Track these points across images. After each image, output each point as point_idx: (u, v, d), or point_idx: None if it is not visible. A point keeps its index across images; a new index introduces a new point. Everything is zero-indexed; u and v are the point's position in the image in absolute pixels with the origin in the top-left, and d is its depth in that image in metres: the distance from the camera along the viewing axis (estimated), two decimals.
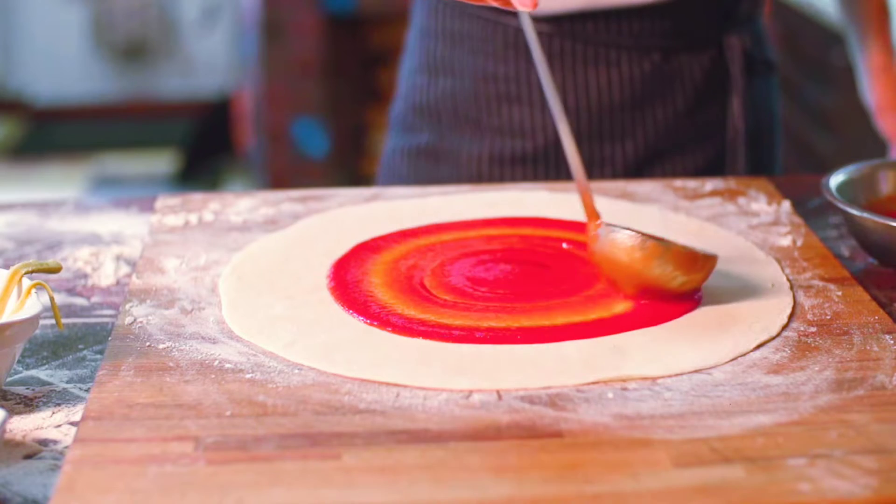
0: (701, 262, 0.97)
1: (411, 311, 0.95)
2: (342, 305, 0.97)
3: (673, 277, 0.96)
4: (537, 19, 1.31)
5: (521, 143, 1.33)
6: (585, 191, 1.01)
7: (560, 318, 0.94)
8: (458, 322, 0.93)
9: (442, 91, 1.37)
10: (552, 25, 1.31)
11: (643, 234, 0.96)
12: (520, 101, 1.33)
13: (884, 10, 1.43)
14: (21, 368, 0.91)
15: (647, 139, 1.34)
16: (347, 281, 1.01)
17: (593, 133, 1.33)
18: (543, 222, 1.14)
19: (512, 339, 0.91)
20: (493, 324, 0.93)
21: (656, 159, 1.34)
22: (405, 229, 1.12)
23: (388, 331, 0.93)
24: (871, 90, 1.42)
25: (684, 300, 0.97)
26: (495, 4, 0.99)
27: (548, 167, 1.33)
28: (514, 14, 1.31)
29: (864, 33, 1.42)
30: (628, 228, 0.97)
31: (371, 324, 0.94)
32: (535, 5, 0.97)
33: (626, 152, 1.33)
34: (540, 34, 1.31)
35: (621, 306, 0.96)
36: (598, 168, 1.33)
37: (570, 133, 1.03)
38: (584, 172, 1.02)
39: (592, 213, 1.00)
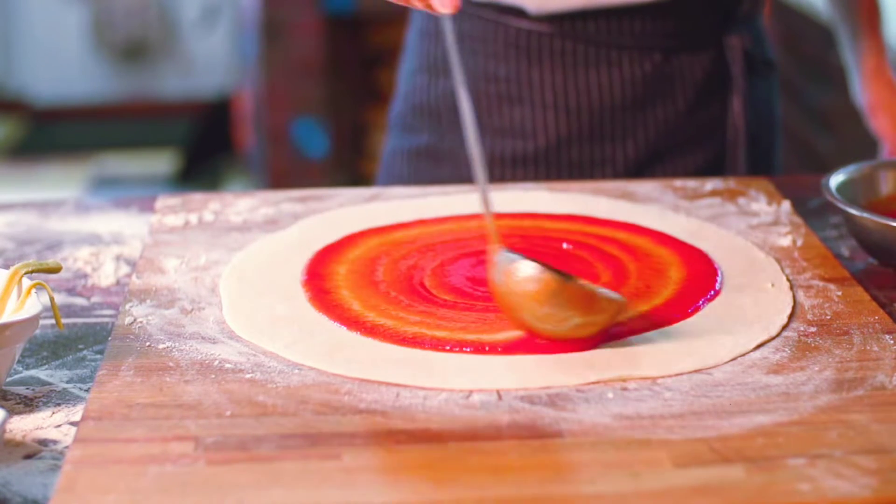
0: (603, 304, 0.89)
1: (411, 319, 0.95)
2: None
3: (567, 317, 0.88)
4: (539, 19, 1.31)
5: (521, 144, 1.33)
6: (489, 215, 0.94)
7: None
8: (457, 336, 0.92)
9: (442, 91, 1.37)
10: (553, 25, 1.31)
11: (544, 266, 0.88)
12: (521, 102, 1.33)
13: (875, 10, 1.43)
14: (21, 368, 0.91)
15: (648, 139, 1.34)
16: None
17: (594, 133, 1.33)
18: (540, 216, 1.14)
19: (514, 351, 0.90)
20: (498, 336, 0.92)
21: (657, 159, 1.34)
22: (402, 223, 1.12)
23: (380, 340, 0.92)
24: (863, 91, 1.42)
25: (581, 344, 0.89)
26: (419, 6, 0.97)
27: (548, 167, 1.33)
28: (515, 14, 1.31)
29: (857, 33, 1.42)
30: (533, 259, 0.90)
31: (367, 335, 0.93)
32: (457, 9, 0.94)
33: (627, 152, 1.33)
34: (541, 34, 1.31)
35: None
36: (598, 168, 1.33)
37: (482, 160, 0.97)
38: (489, 195, 0.95)
39: (493, 238, 0.93)
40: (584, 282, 0.92)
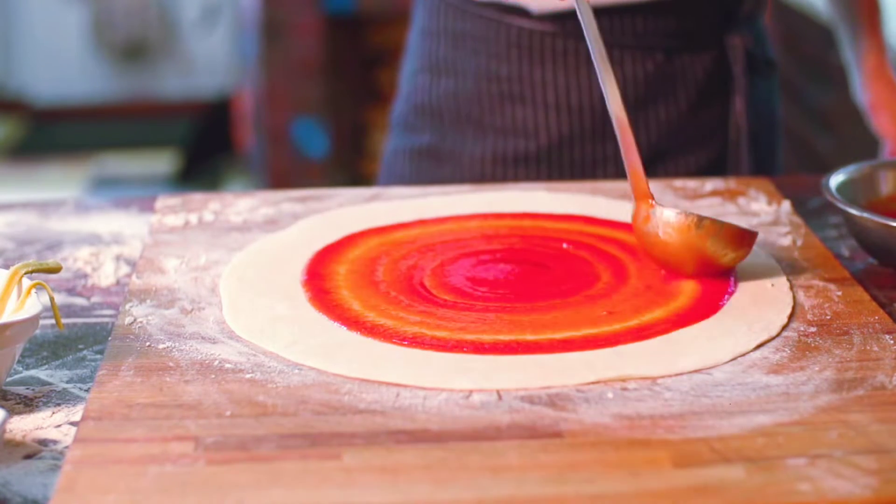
0: (748, 238, 1.01)
1: (411, 319, 0.95)
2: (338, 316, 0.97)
3: (724, 254, 1.00)
4: (541, 18, 1.31)
5: (523, 143, 1.33)
6: (636, 170, 1.03)
7: (561, 324, 0.94)
8: (457, 336, 0.92)
9: (444, 91, 1.37)
10: (556, 24, 1.31)
11: (695, 214, 1.00)
12: (522, 101, 1.33)
13: (876, 9, 1.43)
14: (21, 368, 0.91)
15: (650, 139, 1.34)
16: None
17: (596, 132, 1.33)
18: (540, 216, 1.14)
19: (513, 351, 0.90)
20: (499, 337, 0.92)
21: (659, 159, 1.34)
22: (401, 223, 1.13)
23: (380, 340, 0.92)
24: (865, 90, 1.42)
25: (728, 275, 1.01)
26: None
27: (550, 167, 1.33)
28: (517, 13, 1.31)
29: (857, 32, 1.42)
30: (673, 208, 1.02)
31: (367, 335, 0.93)
32: None
33: None
34: (543, 33, 1.31)
35: (620, 305, 0.97)
36: (600, 167, 1.33)
37: (624, 109, 1.06)
38: (636, 151, 1.04)
39: (644, 194, 1.03)
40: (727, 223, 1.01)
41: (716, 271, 1.01)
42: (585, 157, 1.33)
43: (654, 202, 1.02)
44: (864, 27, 1.42)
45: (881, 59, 1.41)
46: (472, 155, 1.35)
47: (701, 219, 0.99)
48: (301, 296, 0.99)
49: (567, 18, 1.30)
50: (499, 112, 1.34)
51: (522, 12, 1.31)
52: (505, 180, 1.33)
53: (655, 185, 1.23)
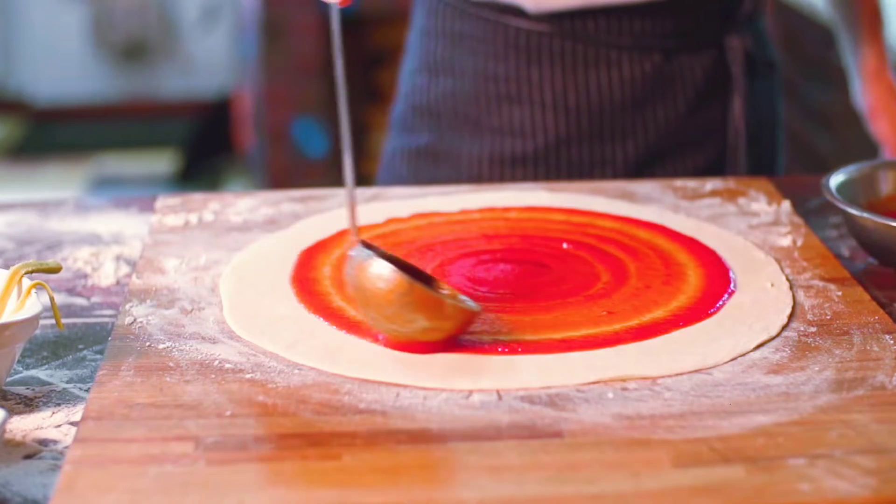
0: (449, 311, 0.89)
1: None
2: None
3: (413, 319, 0.88)
4: (538, 18, 1.31)
5: (520, 144, 1.33)
6: (352, 206, 0.93)
7: (561, 324, 0.94)
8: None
9: (442, 91, 1.37)
10: (553, 25, 1.31)
11: (396, 268, 0.87)
12: (520, 102, 1.33)
13: (877, 14, 1.42)
14: (21, 368, 0.91)
15: (648, 140, 1.34)
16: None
17: (594, 133, 1.33)
18: (543, 210, 1.14)
19: (513, 351, 0.90)
20: (498, 337, 0.92)
21: (657, 160, 1.34)
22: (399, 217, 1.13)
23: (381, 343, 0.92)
24: (864, 95, 1.42)
25: (427, 347, 0.89)
26: None
27: (548, 167, 1.33)
28: (514, 13, 1.31)
29: (858, 37, 1.42)
30: (392, 258, 0.90)
31: (366, 335, 0.93)
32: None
33: (627, 153, 1.33)
34: (540, 34, 1.31)
35: (620, 305, 0.97)
36: (598, 168, 1.33)
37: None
38: (353, 186, 0.93)
39: (353, 232, 0.92)
40: (444, 289, 0.93)
41: (409, 336, 0.89)
42: (583, 158, 1.33)
43: (356, 242, 0.91)
44: (864, 32, 1.42)
45: (881, 65, 1.41)
46: (470, 155, 1.35)
47: (394, 272, 0.87)
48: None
49: (564, 19, 1.30)
50: (496, 112, 1.34)
51: (519, 12, 1.31)
52: (502, 181, 1.33)
53: (655, 186, 1.23)
